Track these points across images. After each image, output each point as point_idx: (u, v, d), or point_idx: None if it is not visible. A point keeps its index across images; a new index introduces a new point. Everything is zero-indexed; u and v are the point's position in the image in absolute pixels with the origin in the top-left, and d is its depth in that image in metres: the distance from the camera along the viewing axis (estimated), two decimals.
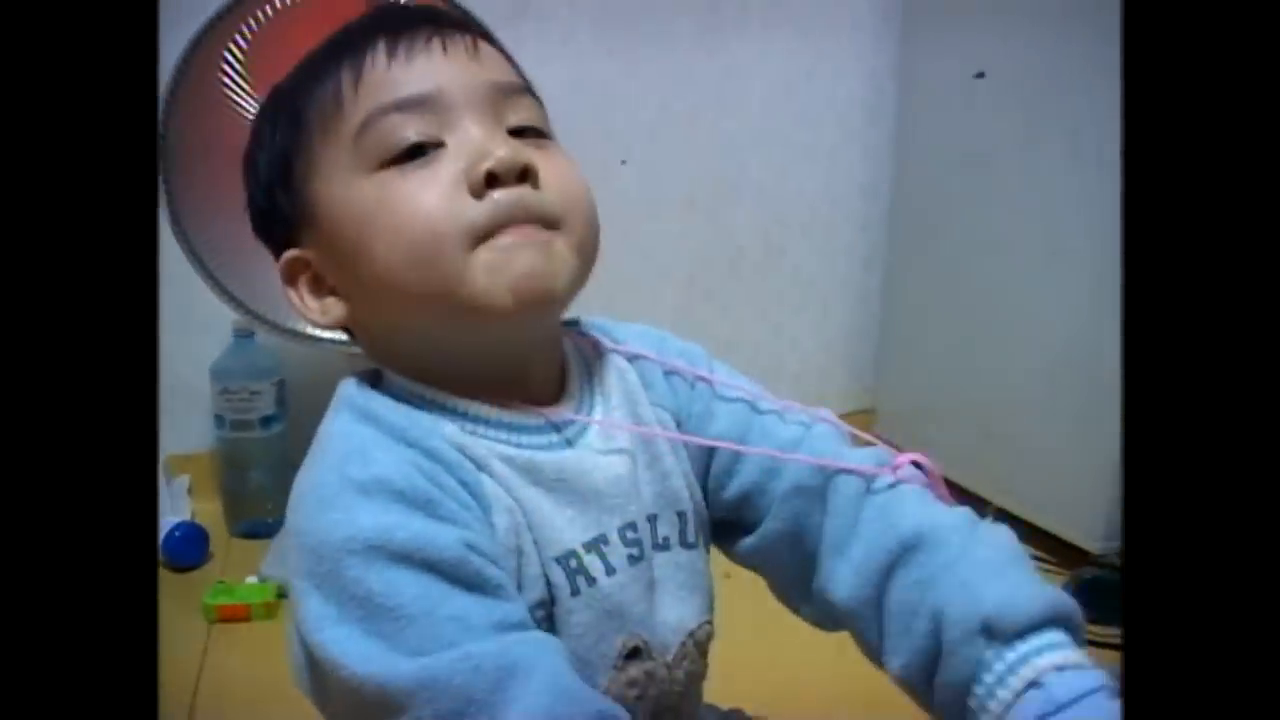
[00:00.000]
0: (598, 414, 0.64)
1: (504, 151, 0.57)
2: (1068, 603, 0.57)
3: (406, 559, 0.52)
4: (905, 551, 0.60)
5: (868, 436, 0.69)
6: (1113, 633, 1.46)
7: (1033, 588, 0.57)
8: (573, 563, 0.59)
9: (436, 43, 0.61)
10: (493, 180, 0.57)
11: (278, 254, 0.64)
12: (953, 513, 0.63)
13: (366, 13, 0.66)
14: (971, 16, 1.76)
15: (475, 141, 0.58)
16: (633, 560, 0.62)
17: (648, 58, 1.95)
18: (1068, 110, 1.57)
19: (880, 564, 0.61)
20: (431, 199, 0.57)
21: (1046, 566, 1.59)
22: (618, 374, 0.67)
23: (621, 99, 1.96)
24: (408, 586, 0.52)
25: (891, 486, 0.64)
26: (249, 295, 1.46)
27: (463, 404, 0.60)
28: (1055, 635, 0.55)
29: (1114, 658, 1.24)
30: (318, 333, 1.45)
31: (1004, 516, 1.71)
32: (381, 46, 0.60)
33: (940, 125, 1.88)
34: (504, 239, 0.57)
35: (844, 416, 2.29)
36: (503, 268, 0.57)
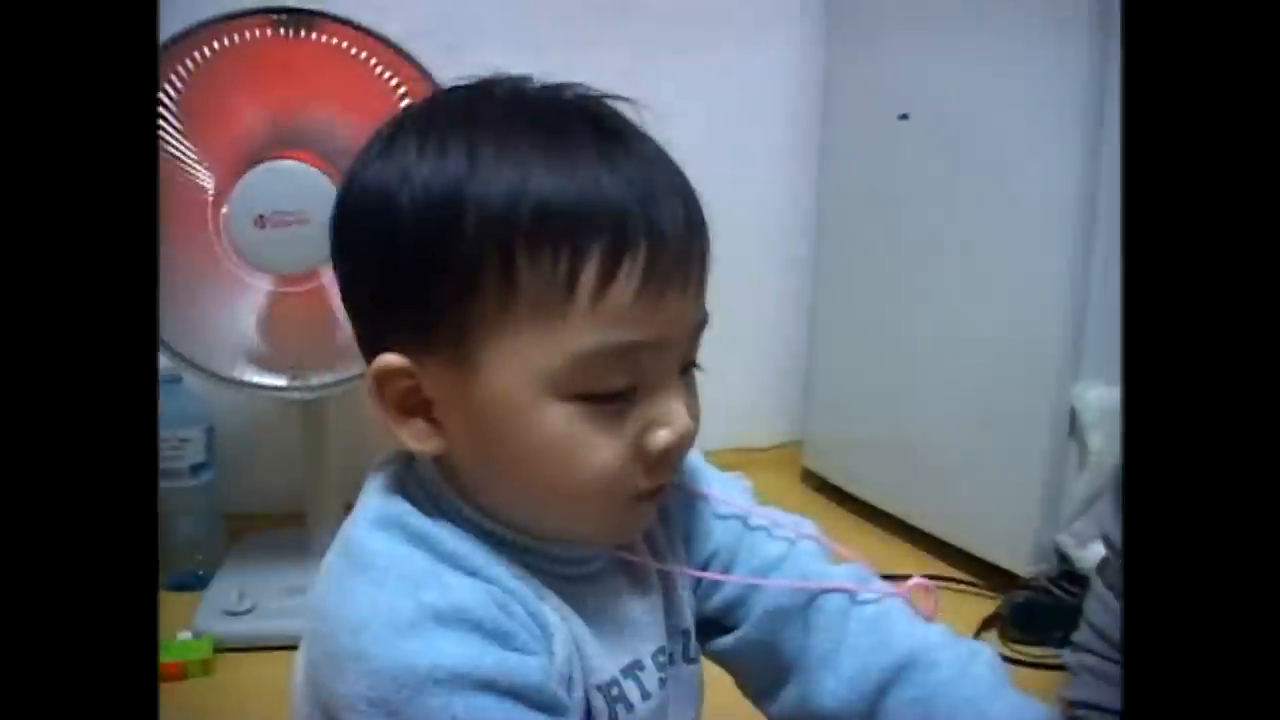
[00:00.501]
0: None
1: (684, 425, 0.56)
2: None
3: (491, 686, 0.51)
4: (901, 669, 0.64)
5: (846, 552, 0.72)
6: (1043, 652, 1.49)
7: (1033, 707, 0.62)
8: (614, 690, 0.61)
9: (683, 272, 0.56)
10: (664, 456, 0.56)
11: (374, 342, 0.57)
12: (938, 632, 0.66)
13: (633, 177, 0.56)
14: (895, 59, 1.81)
15: (665, 399, 0.56)
16: (662, 684, 0.64)
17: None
18: (990, 150, 1.63)
19: (875, 680, 0.64)
20: (615, 461, 0.55)
21: (979, 591, 1.62)
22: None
23: None
24: (494, 710, 0.51)
25: (876, 602, 0.67)
26: (175, 337, 1.42)
27: (519, 537, 0.59)
28: None
29: (1044, 676, 1.26)
30: (249, 378, 1.44)
31: (935, 543, 1.75)
32: (641, 256, 0.53)
33: (864, 165, 1.92)
34: (649, 502, 0.59)
35: (773, 449, 2.29)
36: (641, 517, 0.61)
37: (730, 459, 2.26)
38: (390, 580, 0.54)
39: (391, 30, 1.36)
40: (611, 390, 0.54)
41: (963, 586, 1.65)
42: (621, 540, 0.63)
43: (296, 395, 1.44)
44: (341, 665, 0.53)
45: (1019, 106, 1.58)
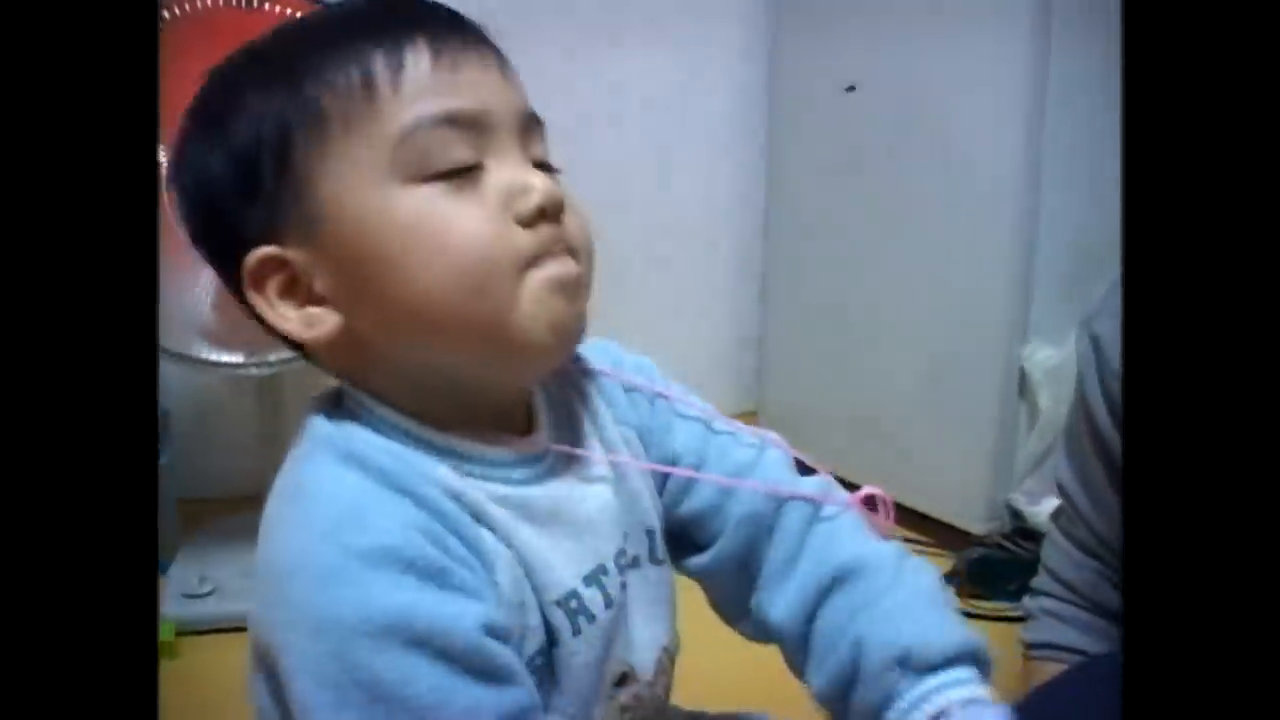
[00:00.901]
0: (570, 439, 0.64)
1: (549, 185, 0.57)
2: (979, 643, 0.61)
3: (423, 645, 0.49)
4: (837, 580, 0.64)
5: (811, 462, 0.72)
6: (997, 606, 1.53)
7: (948, 627, 0.61)
8: (573, 603, 0.59)
9: (477, 54, 0.58)
10: (538, 214, 0.56)
11: (236, 249, 0.57)
12: (886, 547, 0.66)
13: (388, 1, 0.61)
14: (842, 31, 1.83)
15: (517, 170, 0.57)
16: (623, 587, 0.63)
17: (526, 74, 1.97)
18: (936, 120, 1.65)
19: (815, 590, 0.64)
20: (484, 224, 0.55)
21: (934, 550, 1.66)
22: (581, 395, 0.67)
23: None
24: (423, 677, 0.49)
25: (833, 516, 0.67)
26: None
27: (453, 441, 0.58)
28: (965, 672, 0.60)
29: (1000, 629, 1.30)
30: (205, 355, 1.42)
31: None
32: (424, 46, 0.56)
33: (813, 137, 1.94)
34: (549, 267, 0.56)
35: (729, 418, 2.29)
36: (547, 300, 0.56)
37: None
38: (316, 520, 0.52)
39: None
40: (453, 164, 0.55)
41: (920, 547, 1.68)
42: (546, 344, 0.57)
43: (254, 372, 1.43)
44: (272, 615, 0.52)
45: (964, 77, 1.60)
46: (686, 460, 0.68)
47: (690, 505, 0.68)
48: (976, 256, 1.61)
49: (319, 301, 0.56)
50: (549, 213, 0.57)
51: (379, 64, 0.55)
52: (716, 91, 2.15)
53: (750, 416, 2.19)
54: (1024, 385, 1.58)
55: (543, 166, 0.60)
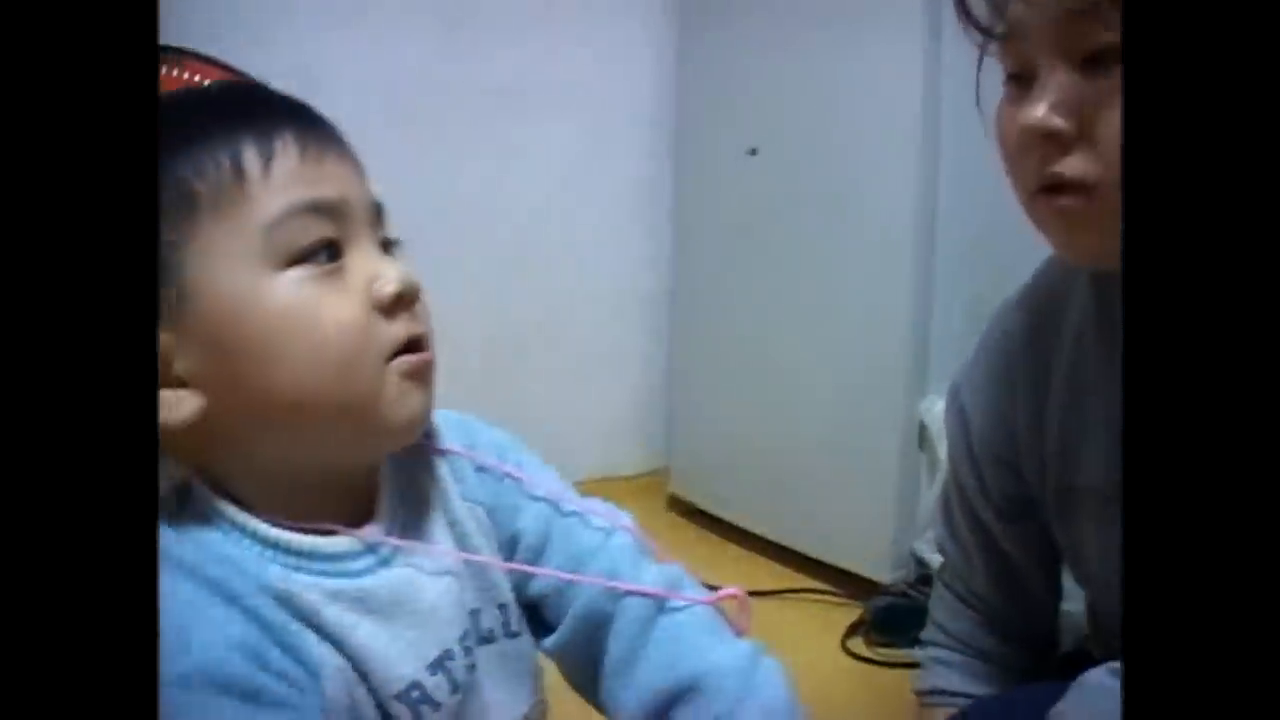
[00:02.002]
0: (415, 518, 0.64)
1: (404, 273, 0.59)
2: None
3: None
4: (685, 690, 0.63)
5: (665, 552, 0.71)
6: (905, 653, 1.56)
7: None
8: (415, 694, 0.59)
9: (335, 148, 0.60)
10: (397, 302, 0.58)
11: None
12: (739, 650, 0.65)
13: (254, 87, 0.64)
14: (744, 96, 1.90)
15: (375, 258, 0.59)
16: (470, 669, 0.63)
17: (433, 140, 2.00)
18: (834, 180, 1.72)
19: (663, 696, 0.63)
20: (352, 315, 0.57)
21: (843, 600, 1.70)
22: (430, 472, 0.67)
23: (408, 182, 1.99)
24: None
25: (681, 610, 0.66)
26: None
27: (292, 539, 0.58)
28: None
29: (907, 675, 1.32)
30: None
31: (800, 558, 1.81)
32: (291, 138, 0.58)
33: (718, 199, 2.00)
34: (409, 358, 0.59)
35: (639, 477, 2.33)
36: (409, 390, 0.59)
37: (597, 488, 2.25)
38: None
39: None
40: (316, 241, 0.57)
41: (828, 597, 1.72)
42: (406, 430, 0.60)
43: None
44: None
45: (859, 138, 1.67)
46: (529, 542, 0.68)
47: (534, 588, 0.69)
48: (876, 313, 1.67)
49: (180, 384, 0.56)
50: (405, 300, 0.59)
51: (250, 152, 0.57)
52: (624, 154, 2.20)
53: (661, 474, 2.22)
54: (923, 437, 1.63)
55: (388, 244, 0.62)
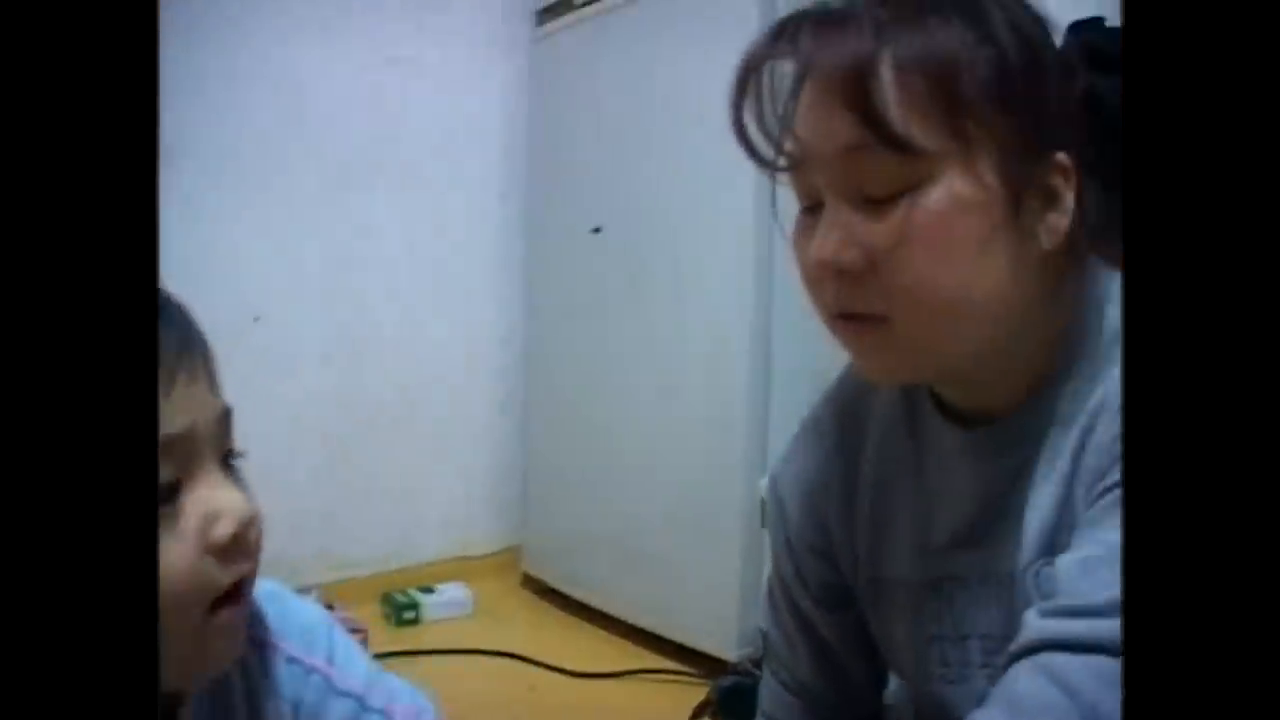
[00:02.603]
0: None
1: (239, 506, 0.57)
2: None
3: None
4: None
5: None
6: None
7: None
8: None
9: (188, 366, 0.57)
10: (232, 542, 0.56)
11: None
12: None
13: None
14: (588, 176, 1.93)
15: (214, 490, 0.57)
16: None
17: (278, 218, 1.97)
18: (674, 259, 1.75)
19: None
20: (183, 563, 0.55)
21: (692, 679, 1.69)
22: (238, 670, 0.66)
23: (252, 258, 1.96)
24: None
25: None
26: None
27: None
28: None
29: None
30: None
31: (650, 637, 1.81)
32: None
33: (564, 276, 2.02)
34: (232, 610, 0.57)
35: (492, 555, 2.30)
36: (227, 637, 0.58)
37: (450, 569, 2.27)
38: None
39: None
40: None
41: (677, 676, 1.71)
42: (214, 665, 0.60)
43: None
44: None
45: (699, 219, 1.71)
46: None
47: None
48: (716, 392, 1.69)
49: None
50: (239, 538, 0.57)
51: None
52: (476, 232, 2.20)
53: (514, 552, 2.20)
54: (765, 515, 1.65)
55: (230, 453, 0.60)
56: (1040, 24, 0.68)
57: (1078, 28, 0.74)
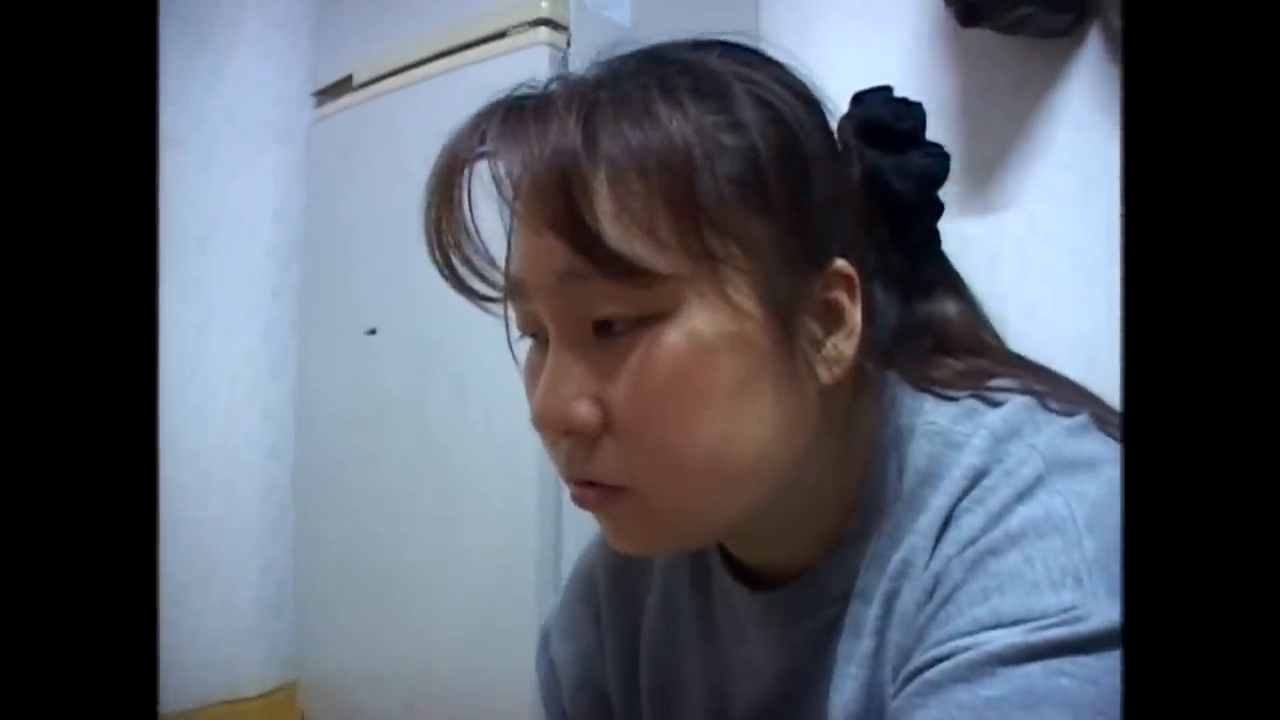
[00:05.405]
0: None
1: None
2: None
3: None
4: None
5: None
6: None
7: None
8: None
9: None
10: None
11: None
12: None
13: None
14: (362, 275, 1.76)
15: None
16: None
17: None
18: (455, 363, 1.60)
19: None
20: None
21: None
22: None
23: None
24: None
25: None
26: None
27: None
28: None
29: None
30: None
31: None
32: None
33: (338, 381, 1.84)
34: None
35: (267, 694, 2.08)
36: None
37: (219, 713, 2.02)
38: None
39: None
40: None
41: None
42: None
43: None
44: None
45: (481, 317, 1.55)
46: None
47: None
48: (504, 511, 1.54)
49: None
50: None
51: None
52: (242, 335, 2.00)
53: (291, 689, 1.98)
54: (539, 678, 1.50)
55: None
56: (805, 98, 0.56)
57: (859, 99, 0.63)
